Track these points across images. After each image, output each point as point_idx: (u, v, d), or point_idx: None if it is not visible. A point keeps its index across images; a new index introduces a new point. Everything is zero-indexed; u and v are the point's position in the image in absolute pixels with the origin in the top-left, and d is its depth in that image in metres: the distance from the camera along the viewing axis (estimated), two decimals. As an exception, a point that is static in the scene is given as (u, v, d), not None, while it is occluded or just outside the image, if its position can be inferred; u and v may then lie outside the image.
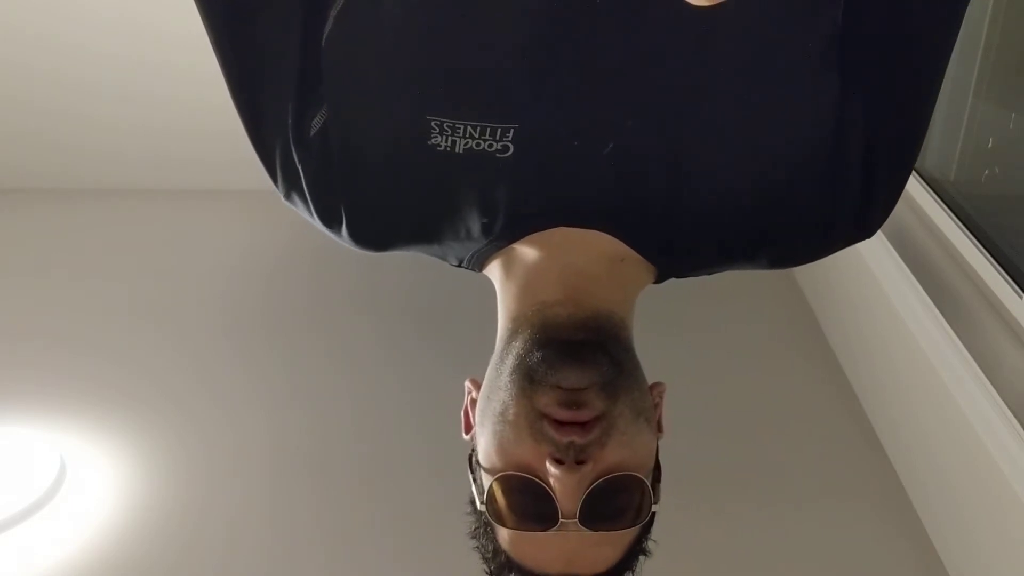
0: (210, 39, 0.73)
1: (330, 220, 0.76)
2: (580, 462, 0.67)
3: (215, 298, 2.76)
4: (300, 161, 0.74)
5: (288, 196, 0.77)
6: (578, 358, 0.68)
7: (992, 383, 1.70)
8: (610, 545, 0.71)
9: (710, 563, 1.94)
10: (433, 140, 0.70)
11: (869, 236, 0.78)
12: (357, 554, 1.93)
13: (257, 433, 2.25)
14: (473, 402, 0.78)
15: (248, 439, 2.23)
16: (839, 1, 0.70)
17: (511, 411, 0.69)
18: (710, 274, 0.82)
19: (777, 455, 2.24)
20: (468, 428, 0.79)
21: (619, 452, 0.68)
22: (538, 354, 0.69)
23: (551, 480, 0.67)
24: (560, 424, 0.67)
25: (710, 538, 1.98)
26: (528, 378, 0.68)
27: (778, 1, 0.68)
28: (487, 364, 0.77)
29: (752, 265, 0.80)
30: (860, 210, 0.75)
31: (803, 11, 0.69)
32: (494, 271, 0.79)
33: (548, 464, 0.67)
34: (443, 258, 0.81)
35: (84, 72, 3.10)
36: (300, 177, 0.74)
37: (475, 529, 0.76)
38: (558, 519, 0.68)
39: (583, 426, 0.67)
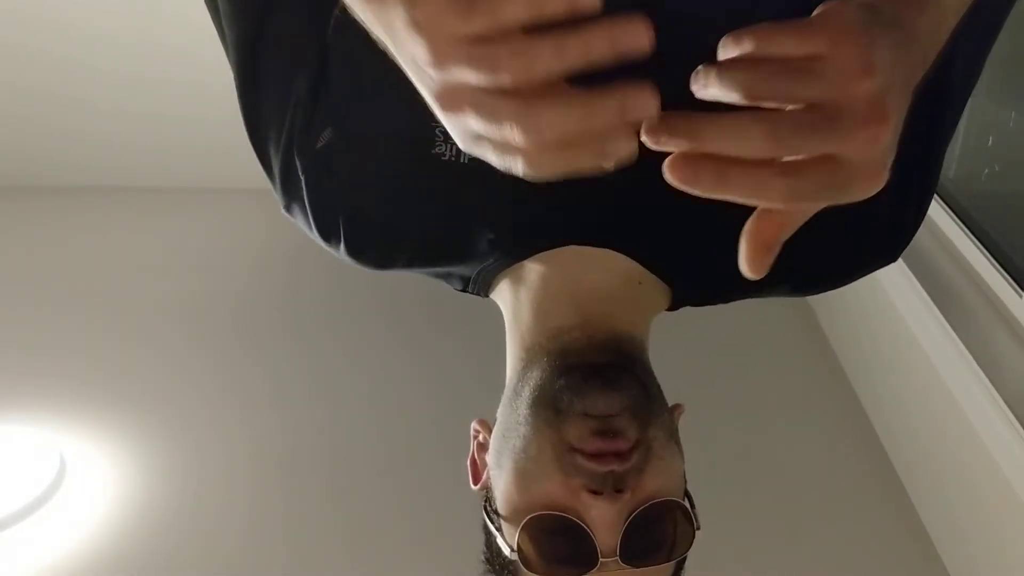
0: (226, 38, 0.69)
1: (328, 233, 0.72)
2: (618, 491, 0.61)
3: (215, 297, 2.76)
4: (302, 170, 0.70)
5: (288, 208, 0.74)
6: (605, 381, 0.63)
7: (992, 383, 1.70)
8: None
9: (710, 563, 1.94)
10: (437, 149, 0.67)
11: (894, 260, 0.75)
12: (356, 554, 1.93)
13: (257, 432, 2.25)
14: (480, 447, 0.73)
15: (248, 438, 2.23)
16: None
17: (534, 446, 0.63)
18: (726, 302, 0.77)
19: (777, 455, 2.24)
20: (477, 478, 0.72)
21: (657, 479, 0.63)
22: (560, 381, 0.63)
23: (588, 515, 0.61)
24: (595, 456, 0.61)
25: (709, 539, 1.98)
26: (552, 408, 0.63)
27: None
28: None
29: (773, 291, 0.75)
30: (890, 235, 0.73)
31: None
32: (502, 294, 0.75)
33: (584, 497, 0.61)
34: (447, 280, 0.78)
35: (85, 72, 3.09)
36: (302, 187, 0.71)
37: None
38: (597, 559, 0.61)
39: (620, 455, 0.61)
